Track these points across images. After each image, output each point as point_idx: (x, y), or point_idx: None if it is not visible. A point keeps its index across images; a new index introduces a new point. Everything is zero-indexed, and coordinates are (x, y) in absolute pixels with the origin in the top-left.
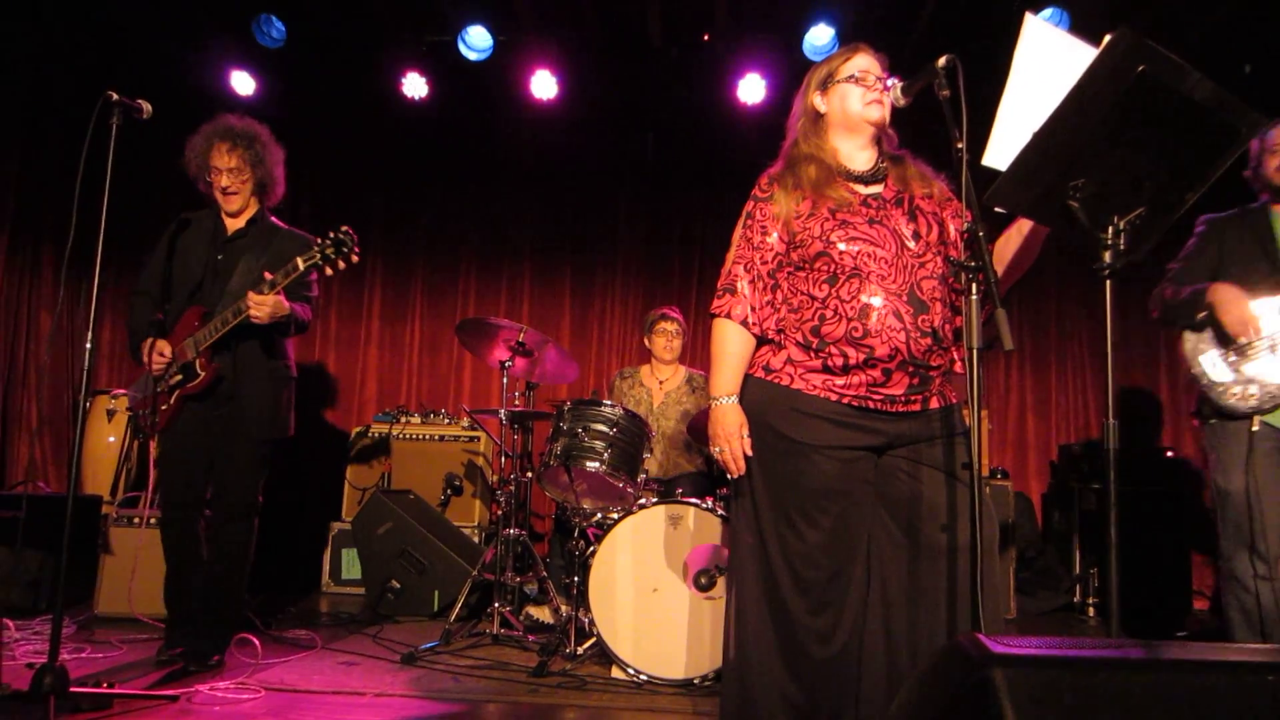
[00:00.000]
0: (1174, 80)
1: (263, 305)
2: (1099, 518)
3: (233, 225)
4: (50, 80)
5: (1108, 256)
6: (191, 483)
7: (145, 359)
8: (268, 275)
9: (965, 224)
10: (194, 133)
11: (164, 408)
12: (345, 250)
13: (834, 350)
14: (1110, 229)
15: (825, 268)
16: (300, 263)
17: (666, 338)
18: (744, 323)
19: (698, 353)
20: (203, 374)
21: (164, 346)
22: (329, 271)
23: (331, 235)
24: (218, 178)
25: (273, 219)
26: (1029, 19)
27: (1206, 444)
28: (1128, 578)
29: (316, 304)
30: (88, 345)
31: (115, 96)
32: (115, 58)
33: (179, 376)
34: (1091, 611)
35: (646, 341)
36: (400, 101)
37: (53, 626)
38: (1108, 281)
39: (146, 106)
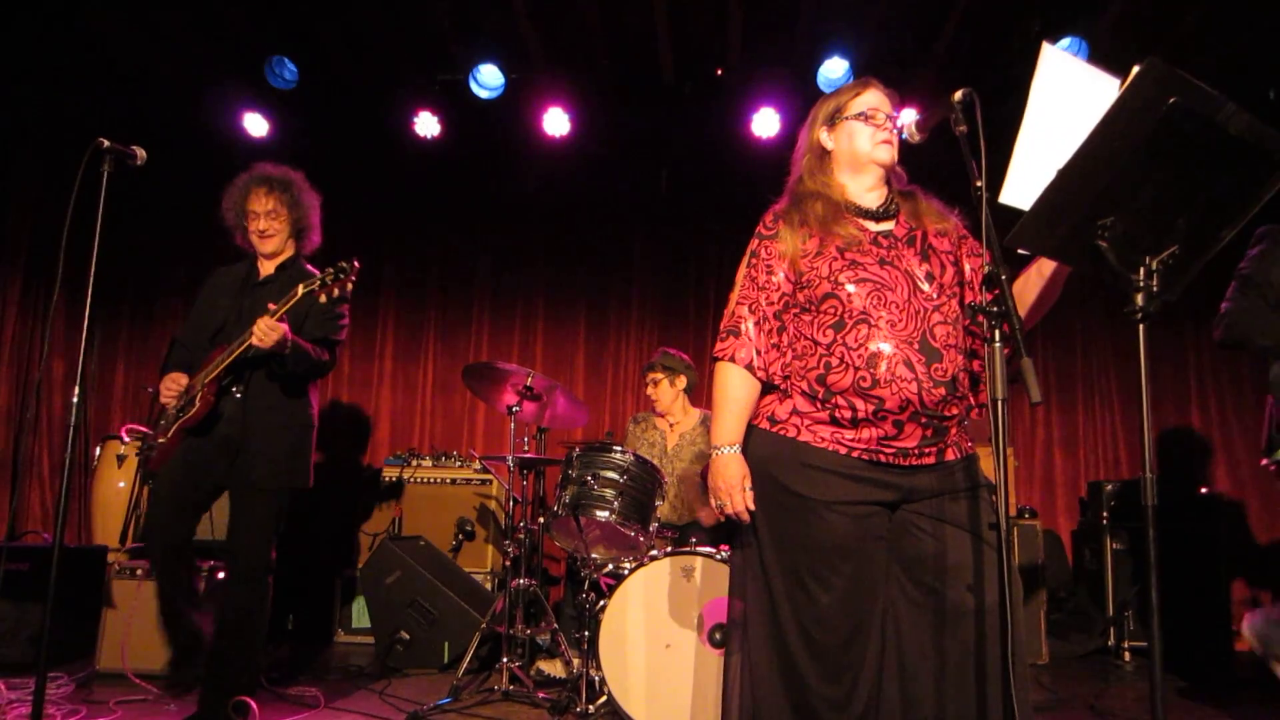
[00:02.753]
0: (1207, 112)
1: (268, 332)
2: (1132, 556)
3: (265, 270)
4: (64, 125)
5: (1140, 299)
6: (174, 526)
7: (161, 392)
8: (271, 306)
9: (986, 266)
10: (230, 184)
11: (162, 440)
12: (342, 277)
13: (841, 401)
14: (1141, 270)
15: (832, 310)
16: (300, 289)
17: (655, 388)
18: (749, 366)
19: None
20: (199, 405)
21: (179, 377)
22: (322, 299)
23: (332, 266)
24: (255, 221)
25: (305, 264)
26: (1046, 49)
27: None
28: (1166, 620)
29: (337, 350)
30: (74, 400)
31: (106, 144)
32: (128, 102)
33: (182, 407)
34: (1127, 656)
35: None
36: (413, 141)
37: (34, 700)
38: (1141, 326)
39: (140, 153)
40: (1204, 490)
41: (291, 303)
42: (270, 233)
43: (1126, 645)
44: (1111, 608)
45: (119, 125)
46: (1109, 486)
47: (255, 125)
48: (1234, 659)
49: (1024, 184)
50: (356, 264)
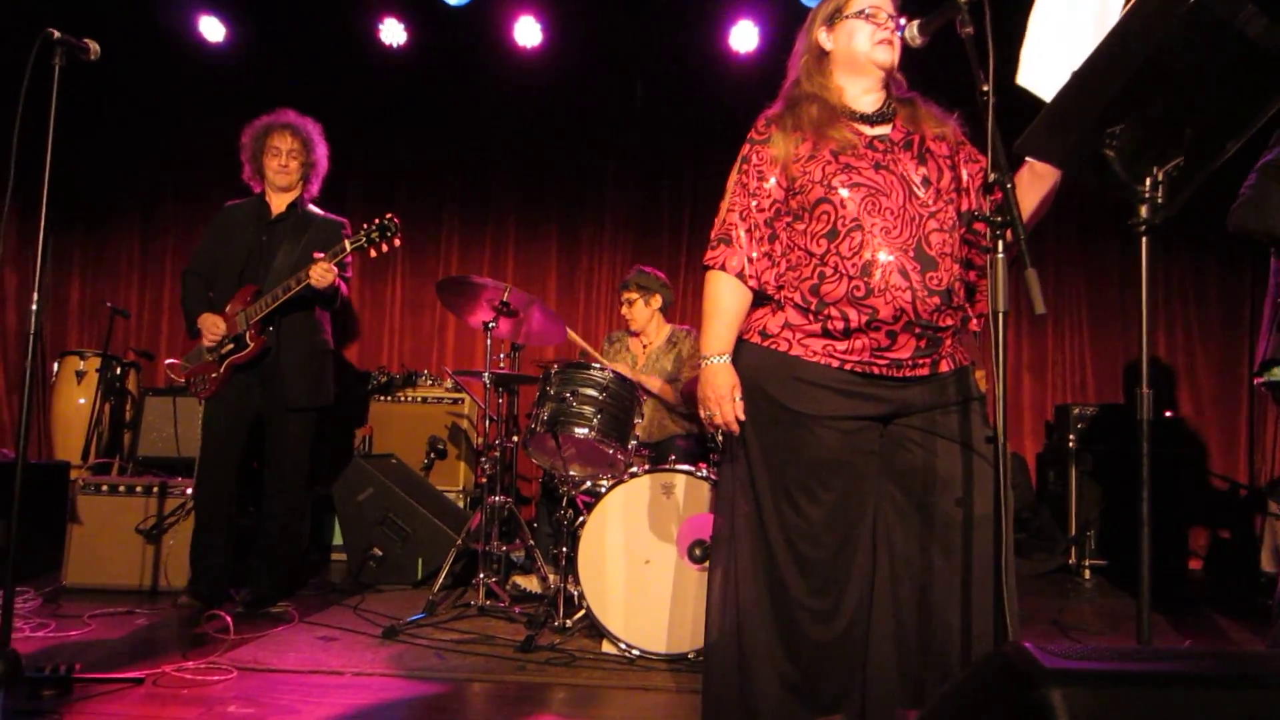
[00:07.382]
0: (1227, 14)
1: (325, 274)
2: (1096, 478)
3: (276, 208)
4: (13, 25)
5: (1145, 211)
6: (229, 445)
7: (202, 331)
8: (317, 255)
9: (992, 176)
10: (254, 120)
11: (214, 375)
12: (389, 235)
13: (834, 312)
14: (1148, 180)
15: (826, 217)
16: (347, 244)
17: (629, 308)
18: (740, 275)
19: (688, 311)
20: (252, 345)
21: (220, 321)
22: (372, 254)
23: (377, 221)
24: (277, 157)
25: (310, 206)
26: None
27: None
28: (1125, 540)
29: (350, 283)
30: (33, 306)
31: (57, 34)
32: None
33: (230, 347)
34: (1088, 574)
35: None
36: (378, 49)
37: (2, 610)
38: (1144, 239)
39: (94, 46)
40: (1169, 414)
41: (340, 257)
42: (289, 170)
43: (1087, 564)
44: (1074, 528)
45: (66, 25)
46: (1076, 410)
47: (211, 29)
48: (1187, 579)
49: (1041, 65)
50: (398, 222)
